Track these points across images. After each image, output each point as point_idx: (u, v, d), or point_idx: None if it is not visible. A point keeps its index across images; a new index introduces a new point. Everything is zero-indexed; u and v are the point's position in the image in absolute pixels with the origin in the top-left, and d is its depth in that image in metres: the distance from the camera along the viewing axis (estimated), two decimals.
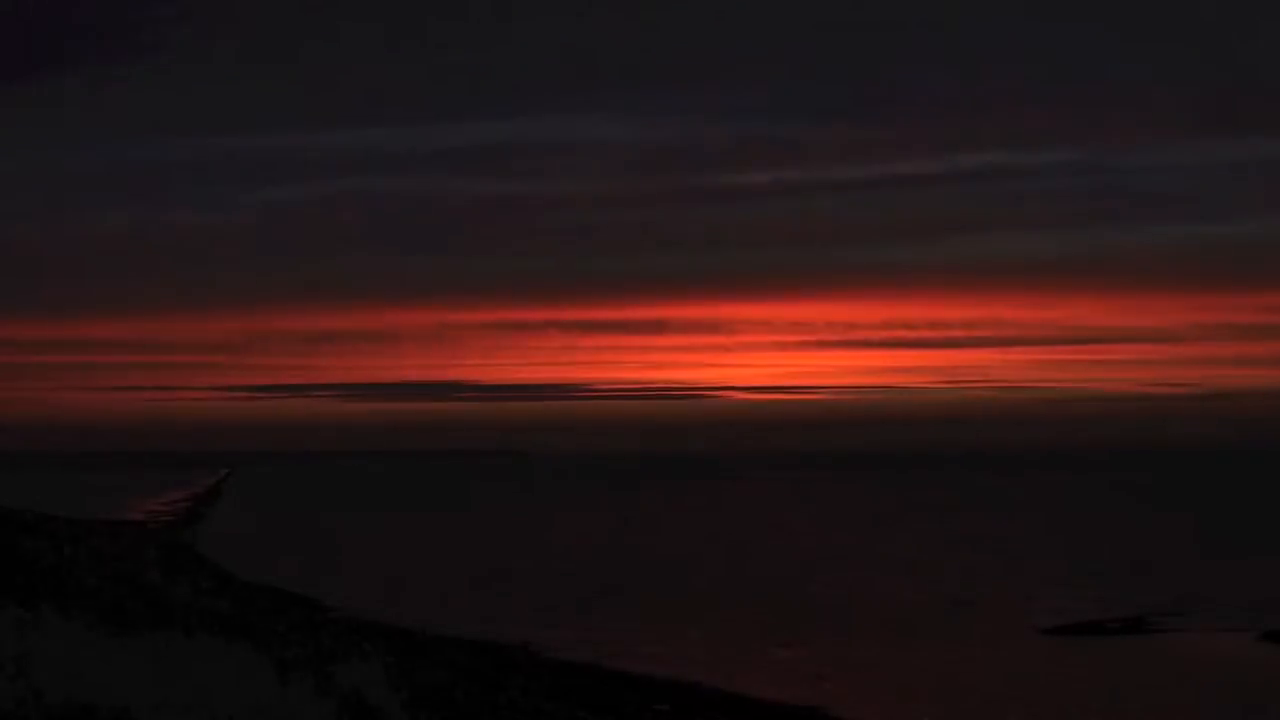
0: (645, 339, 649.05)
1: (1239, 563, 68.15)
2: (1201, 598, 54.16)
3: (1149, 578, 61.41)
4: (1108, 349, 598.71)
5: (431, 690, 32.47)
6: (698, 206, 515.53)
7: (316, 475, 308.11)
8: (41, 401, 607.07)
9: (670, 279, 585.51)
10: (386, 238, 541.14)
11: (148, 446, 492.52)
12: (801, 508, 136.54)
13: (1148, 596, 54.10)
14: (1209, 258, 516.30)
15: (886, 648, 42.95)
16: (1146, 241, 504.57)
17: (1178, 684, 36.50)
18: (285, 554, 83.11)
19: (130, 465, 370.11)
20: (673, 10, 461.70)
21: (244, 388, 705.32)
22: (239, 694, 26.87)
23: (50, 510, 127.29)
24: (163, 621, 41.68)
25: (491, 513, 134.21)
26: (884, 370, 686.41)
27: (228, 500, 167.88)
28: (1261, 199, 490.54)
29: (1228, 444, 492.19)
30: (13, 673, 20.95)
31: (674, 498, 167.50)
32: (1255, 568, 65.46)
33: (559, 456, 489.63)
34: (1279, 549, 76.36)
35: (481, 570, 71.27)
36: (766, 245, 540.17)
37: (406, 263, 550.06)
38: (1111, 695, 34.72)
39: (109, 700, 23.97)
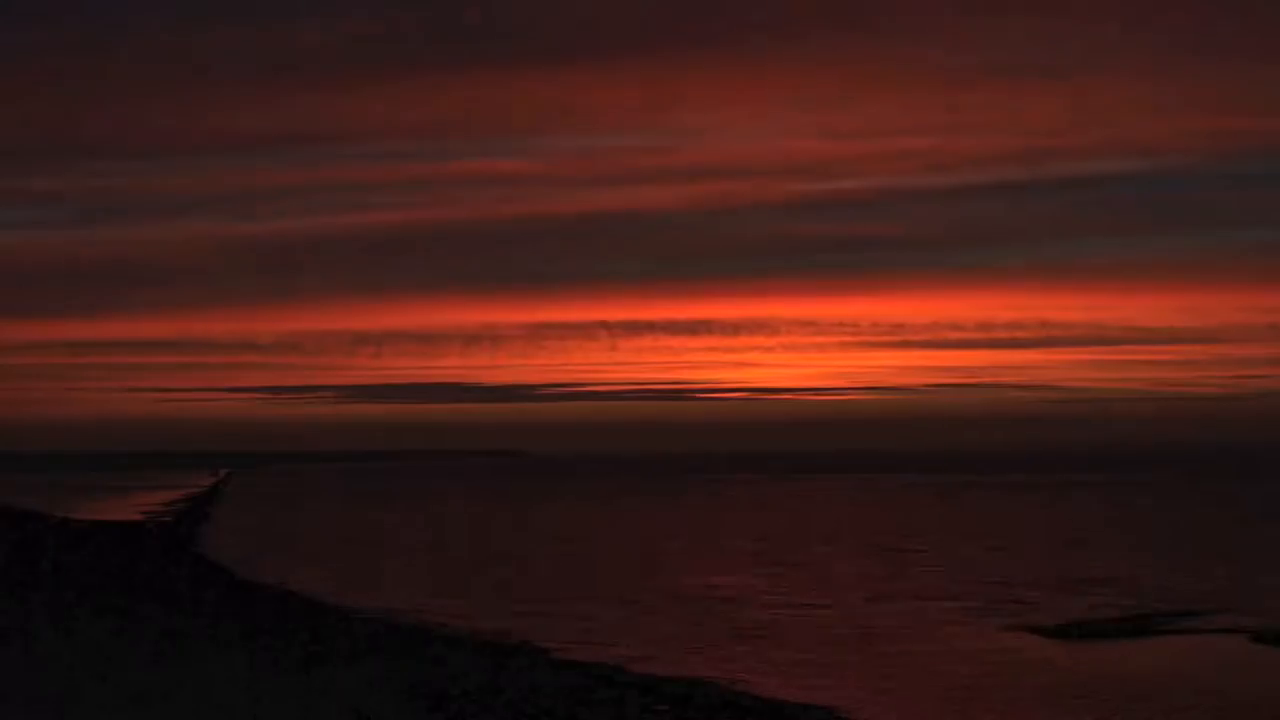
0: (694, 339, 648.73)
1: None
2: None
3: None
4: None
5: (431, 689, 32.48)
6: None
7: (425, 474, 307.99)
8: (104, 402, 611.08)
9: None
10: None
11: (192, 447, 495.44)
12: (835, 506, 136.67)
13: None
14: None
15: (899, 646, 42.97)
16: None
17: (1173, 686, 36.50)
18: (285, 553, 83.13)
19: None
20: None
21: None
22: (238, 693, 26.91)
23: (59, 511, 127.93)
24: (162, 621, 41.86)
25: (499, 510, 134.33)
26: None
27: (228, 500, 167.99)
28: None
29: None
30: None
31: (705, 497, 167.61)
32: None
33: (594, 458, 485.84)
34: None
35: (483, 570, 71.23)
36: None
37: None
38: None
39: (109, 699, 24.01)
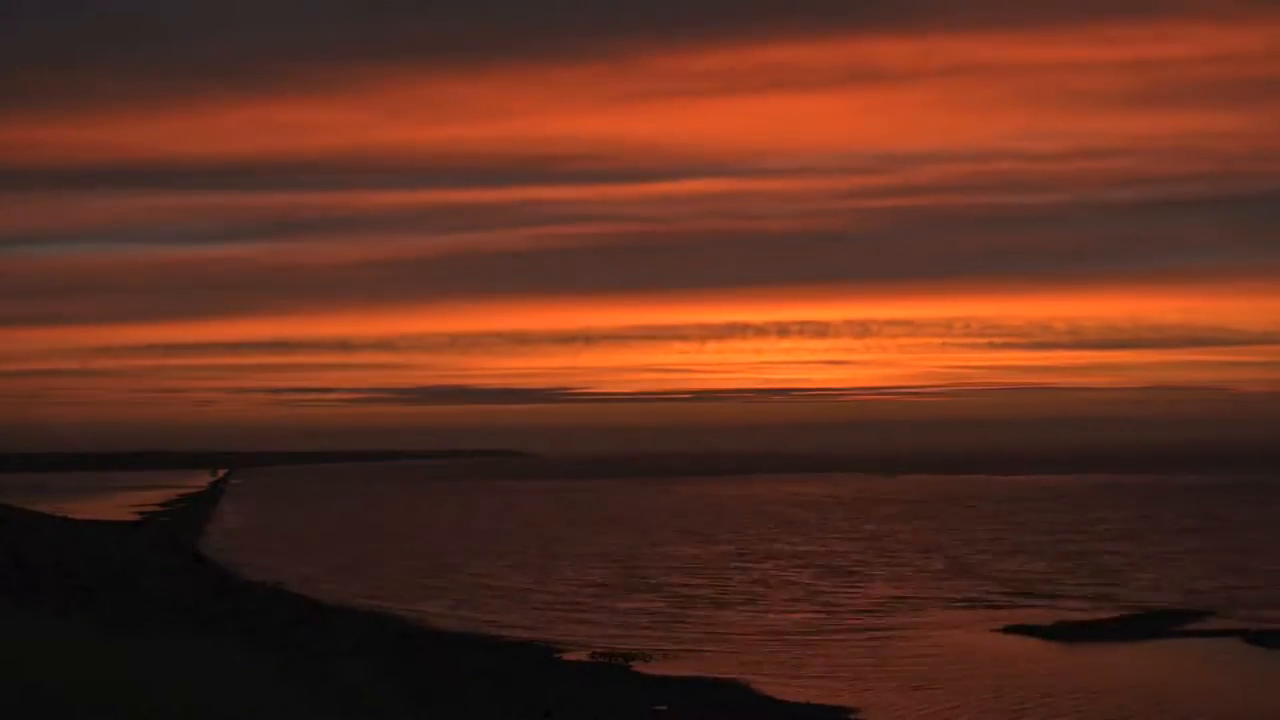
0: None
1: None
2: None
3: None
4: None
5: (431, 688, 32.53)
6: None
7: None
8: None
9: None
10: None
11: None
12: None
13: None
14: None
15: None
16: None
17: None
18: (286, 554, 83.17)
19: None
20: None
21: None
22: (239, 693, 26.93)
23: (66, 513, 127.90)
24: (162, 621, 41.82)
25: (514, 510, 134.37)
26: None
27: (229, 500, 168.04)
28: None
29: None
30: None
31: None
32: None
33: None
34: None
35: (487, 571, 71.25)
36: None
37: None
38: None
39: (108, 698, 24.00)
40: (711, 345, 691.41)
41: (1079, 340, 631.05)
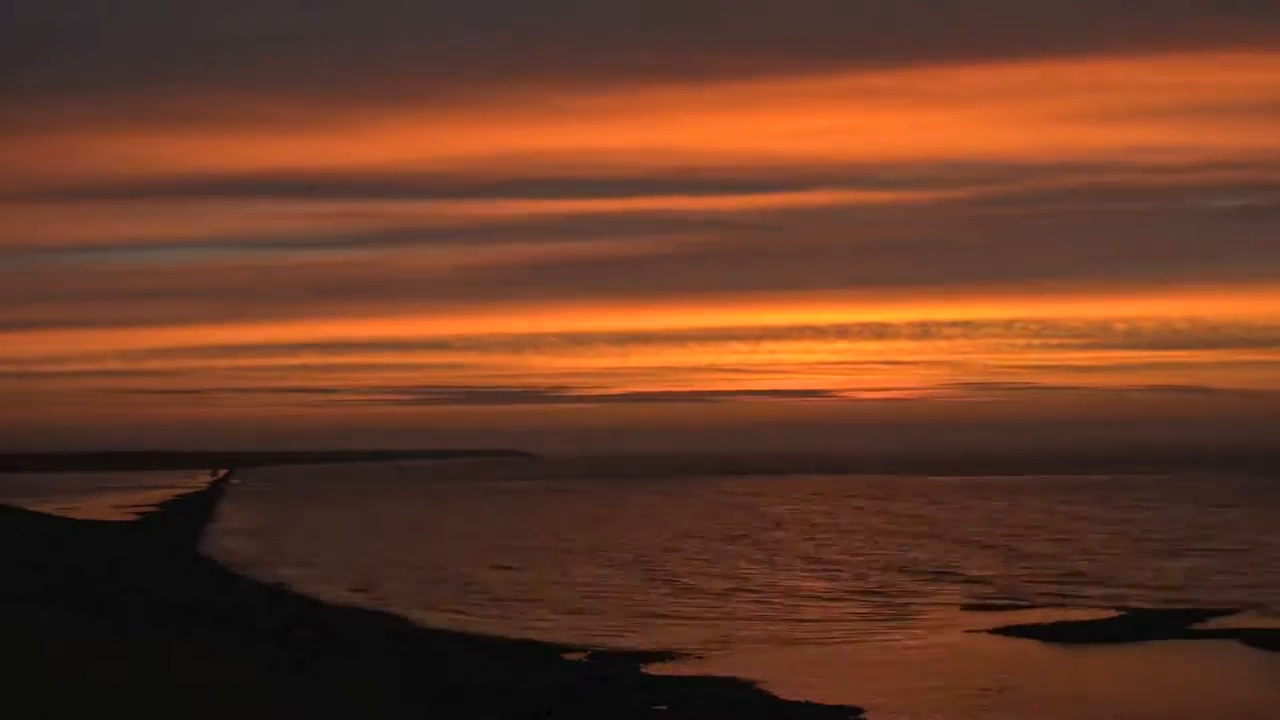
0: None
1: None
2: None
3: None
4: None
5: (431, 688, 32.57)
6: None
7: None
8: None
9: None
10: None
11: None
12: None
13: None
14: None
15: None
16: None
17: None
18: (287, 554, 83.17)
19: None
20: None
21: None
22: (239, 693, 26.98)
23: (69, 512, 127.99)
24: (162, 621, 41.88)
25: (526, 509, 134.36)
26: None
27: (230, 500, 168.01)
28: None
29: None
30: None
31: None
32: None
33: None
34: None
35: (488, 570, 71.30)
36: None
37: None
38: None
39: (109, 699, 24.07)
40: (768, 345, 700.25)
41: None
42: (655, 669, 38.67)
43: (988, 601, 54.39)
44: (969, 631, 46.31)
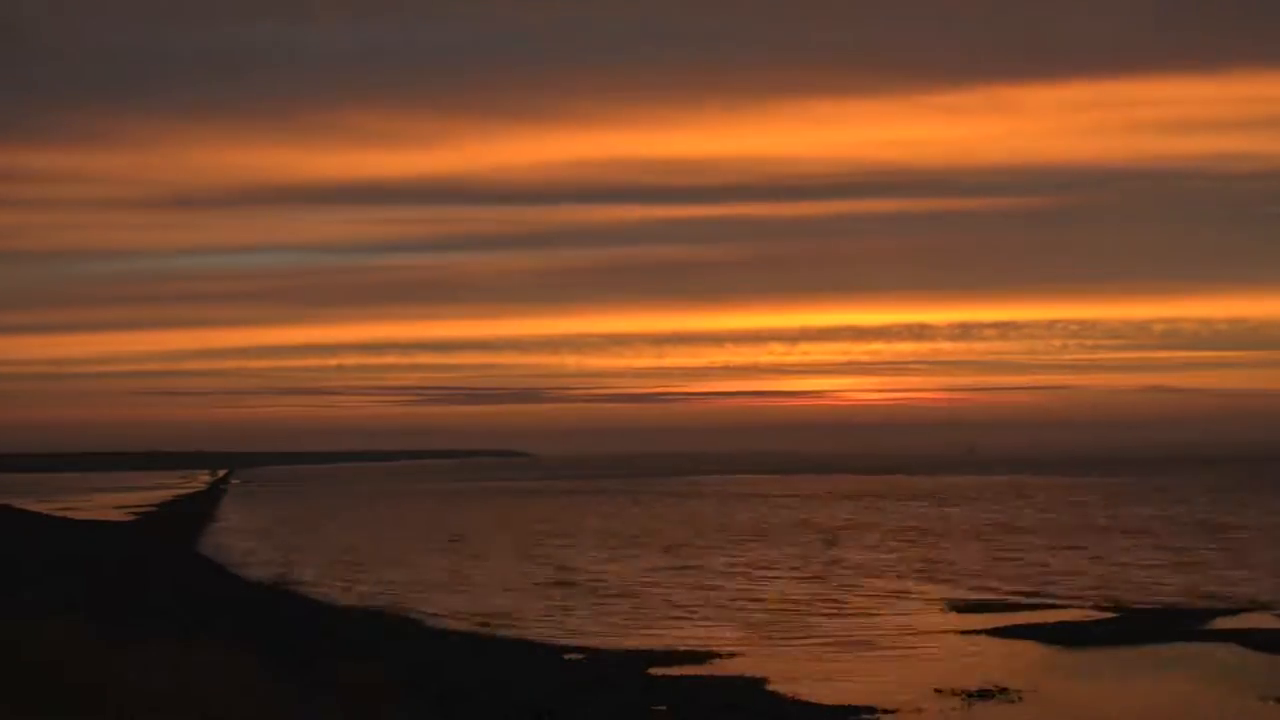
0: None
1: None
2: None
3: None
4: None
5: (432, 688, 32.53)
6: None
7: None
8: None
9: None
10: None
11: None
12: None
13: None
14: None
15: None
16: None
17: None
18: (287, 553, 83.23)
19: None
20: None
21: None
22: (238, 693, 26.91)
23: (69, 512, 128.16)
24: (162, 621, 41.80)
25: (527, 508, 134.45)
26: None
27: (230, 500, 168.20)
28: None
29: None
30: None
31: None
32: None
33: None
34: None
35: (487, 571, 71.30)
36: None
37: None
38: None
39: (107, 698, 23.98)
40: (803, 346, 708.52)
41: None
42: (656, 669, 38.63)
43: (987, 601, 54.43)
44: (969, 632, 46.32)
